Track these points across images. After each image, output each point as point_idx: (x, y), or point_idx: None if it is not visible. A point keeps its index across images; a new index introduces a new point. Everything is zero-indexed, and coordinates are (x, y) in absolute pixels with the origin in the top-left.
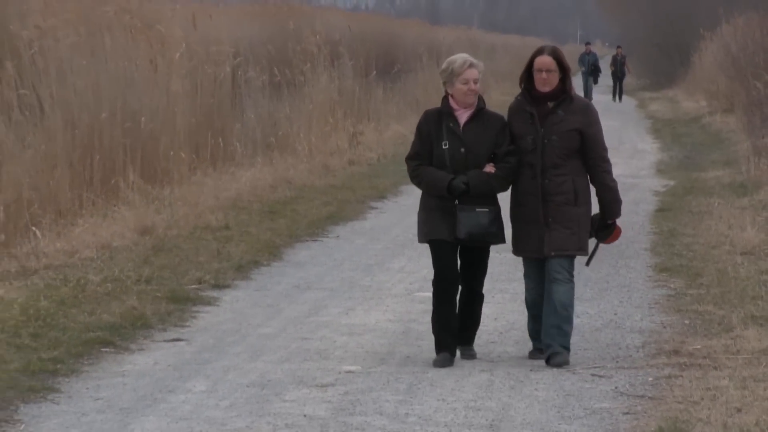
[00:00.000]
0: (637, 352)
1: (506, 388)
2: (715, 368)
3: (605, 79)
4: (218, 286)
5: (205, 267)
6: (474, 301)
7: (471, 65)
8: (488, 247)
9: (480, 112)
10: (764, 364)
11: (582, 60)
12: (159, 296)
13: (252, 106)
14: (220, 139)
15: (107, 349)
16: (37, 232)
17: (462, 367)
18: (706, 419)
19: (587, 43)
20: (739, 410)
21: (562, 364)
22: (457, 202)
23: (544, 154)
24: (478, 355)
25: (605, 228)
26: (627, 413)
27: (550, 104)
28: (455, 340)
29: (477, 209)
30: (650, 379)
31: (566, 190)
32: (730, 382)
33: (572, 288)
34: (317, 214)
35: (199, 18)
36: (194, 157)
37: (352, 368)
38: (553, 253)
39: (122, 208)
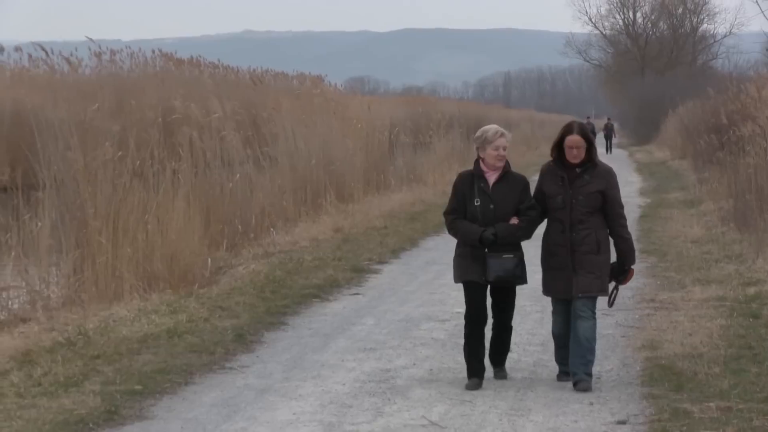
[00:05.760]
0: (629, 300)
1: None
2: (676, 310)
3: (600, 139)
4: (381, 262)
5: (373, 251)
6: (504, 333)
7: (501, 135)
8: (515, 288)
9: (506, 174)
10: (705, 307)
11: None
12: (346, 268)
13: (401, 156)
14: (382, 176)
15: (316, 300)
16: (273, 231)
17: (524, 307)
18: (670, 340)
19: (587, 117)
20: (690, 335)
21: (586, 389)
22: (486, 250)
23: (572, 211)
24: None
25: (623, 272)
26: (623, 336)
27: (578, 170)
28: (483, 366)
29: (504, 255)
30: (637, 316)
31: (590, 242)
32: (684, 318)
33: (595, 324)
34: (439, 220)
35: (371, 104)
36: (366, 186)
37: (460, 310)
38: (579, 295)
39: (324, 216)
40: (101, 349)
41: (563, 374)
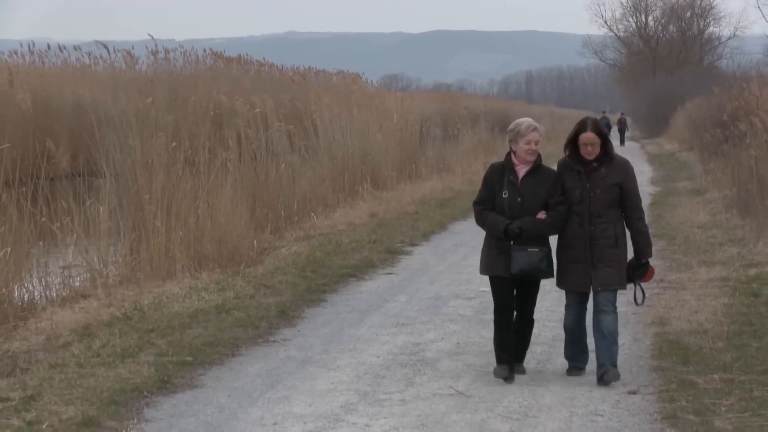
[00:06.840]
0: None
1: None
2: (683, 289)
3: (614, 132)
4: (412, 245)
5: (405, 234)
6: (526, 326)
7: (534, 129)
8: (539, 282)
9: (537, 168)
10: (710, 286)
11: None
12: (380, 250)
13: (431, 147)
14: (414, 165)
15: (352, 279)
16: (314, 216)
17: (545, 286)
18: (677, 317)
19: (603, 111)
20: (696, 312)
21: (613, 379)
22: (512, 243)
23: (590, 204)
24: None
25: (640, 267)
26: (634, 314)
27: (595, 164)
28: (512, 357)
29: (529, 249)
30: (647, 295)
31: (609, 235)
32: (691, 297)
33: (617, 317)
34: (466, 206)
35: (404, 100)
36: (399, 175)
37: (485, 289)
38: (599, 289)
39: (360, 202)
40: (155, 324)
41: (574, 369)
